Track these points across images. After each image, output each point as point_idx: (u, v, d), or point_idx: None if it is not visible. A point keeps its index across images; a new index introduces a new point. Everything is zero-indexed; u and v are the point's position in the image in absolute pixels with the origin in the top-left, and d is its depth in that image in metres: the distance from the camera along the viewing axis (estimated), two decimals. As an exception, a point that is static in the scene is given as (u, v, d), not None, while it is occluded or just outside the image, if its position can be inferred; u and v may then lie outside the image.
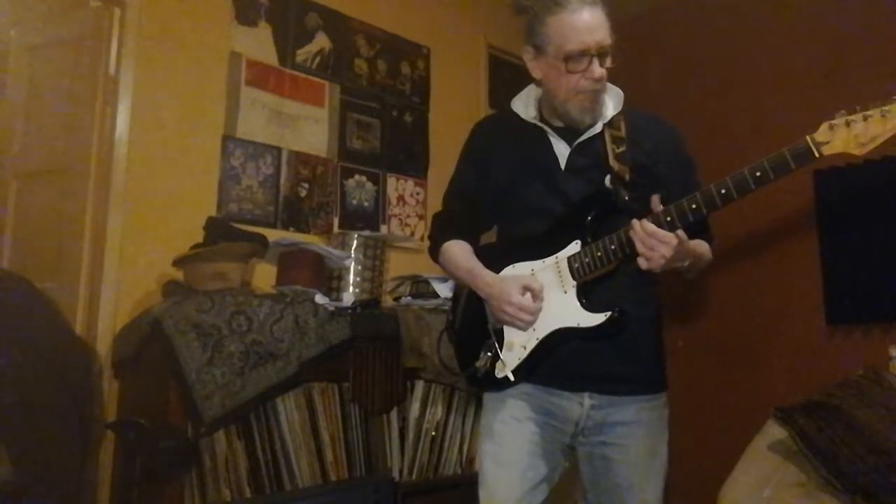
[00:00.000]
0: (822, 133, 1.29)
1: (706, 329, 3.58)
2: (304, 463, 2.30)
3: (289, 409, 2.30)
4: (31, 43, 3.09)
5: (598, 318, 1.48)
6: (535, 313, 1.52)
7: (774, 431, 2.54)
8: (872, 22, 3.15)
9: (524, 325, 1.53)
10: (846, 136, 1.27)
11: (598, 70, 1.49)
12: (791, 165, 1.30)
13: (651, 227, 1.39)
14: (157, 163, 2.63)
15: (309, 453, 2.32)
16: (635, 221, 1.42)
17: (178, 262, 2.41)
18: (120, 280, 2.50)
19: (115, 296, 2.49)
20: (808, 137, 1.30)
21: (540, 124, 1.62)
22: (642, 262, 1.40)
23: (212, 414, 2.10)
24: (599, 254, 1.47)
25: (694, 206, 1.38)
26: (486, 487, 1.57)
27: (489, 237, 1.81)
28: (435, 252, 1.75)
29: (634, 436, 1.54)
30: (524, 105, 1.68)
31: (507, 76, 3.92)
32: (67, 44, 2.89)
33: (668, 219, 1.40)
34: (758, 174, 1.32)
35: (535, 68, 1.59)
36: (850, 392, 2.59)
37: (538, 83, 1.63)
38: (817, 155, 1.29)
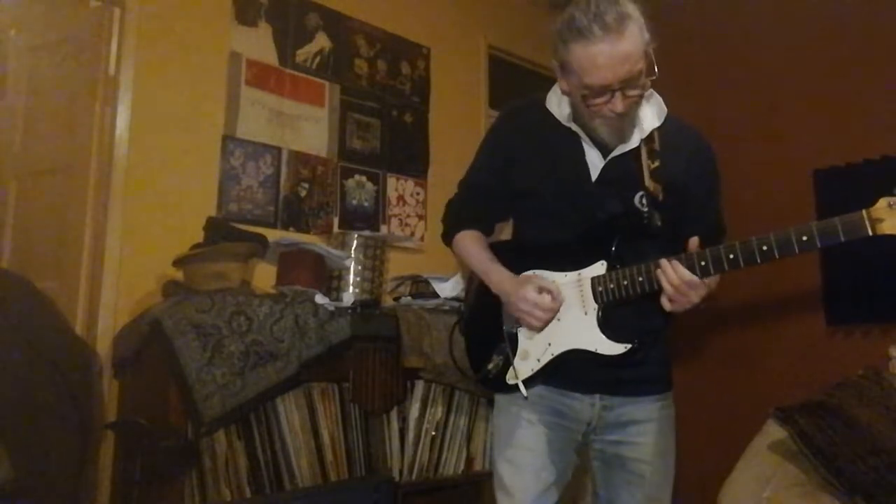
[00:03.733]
0: (879, 210, 1.21)
1: (706, 329, 3.58)
2: (304, 463, 2.30)
3: (289, 409, 2.30)
4: (31, 43, 3.09)
5: (617, 349, 1.46)
6: (551, 313, 1.49)
7: (774, 431, 2.53)
8: (873, 20, 3.15)
9: (538, 324, 1.50)
10: None
11: (619, 107, 1.39)
12: (841, 238, 1.24)
13: (687, 274, 1.34)
14: (157, 163, 2.63)
15: (309, 453, 2.31)
16: (665, 263, 1.37)
17: (178, 262, 2.41)
18: (120, 280, 2.50)
19: (115, 296, 2.49)
20: (864, 212, 1.23)
21: (575, 128, 1.53)
22: (666, 304, 1.38)
23: (212, 414, 2.10)
24: (626, 282, 1.44)
25: (731, 257, 1.33)
26: (503, 489, 1.58)
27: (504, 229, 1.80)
28: (448, 240, 1.72)
29: (647, 433, 1.54)
30: (558, 102, 1.57)
31: (507, 76, 3.92)
32: (67, 44, 2.89)
33: (703, 263, 1.36)
34: (804, 238, 1.27)
35: (562, 82, 1.49)
36: (850, 392, 2.59)
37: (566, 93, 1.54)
38: (871, 233, 1.22)
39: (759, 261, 1.31)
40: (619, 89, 1.37)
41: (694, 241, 1.39)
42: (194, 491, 2.10)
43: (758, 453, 2.53)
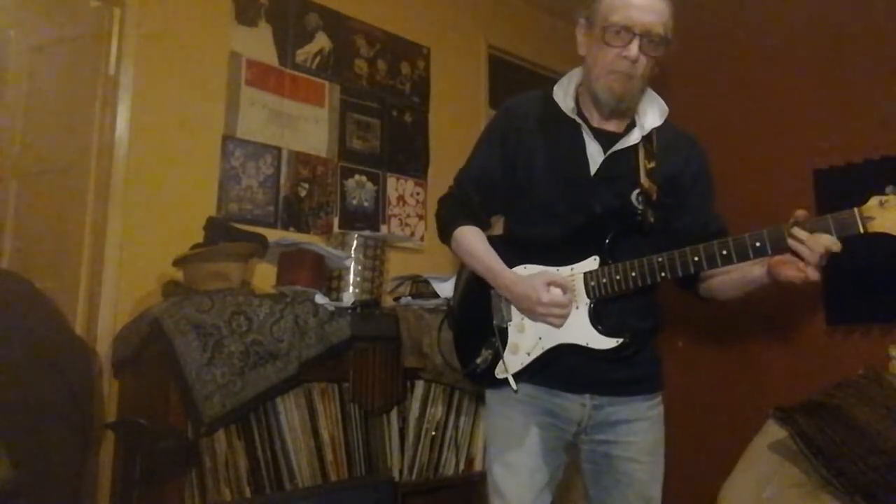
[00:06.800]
0: (871, 208, 1.23)
1: (706, 329, 3.58)
2: (304, 463, 2.30)
3: (289, 409, 2.30)
4: (31, 43, 3.09)
5: (608, 343, 1.45)
6: (569, 306, 1.48)
7: (774, 431, 2.54)
8: (873, 20, 3.15)
9: (560, 322, 1.49)
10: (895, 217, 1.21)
11: (634, 50, 1.43)
12: (833, 234, 1.26)
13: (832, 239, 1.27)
14: (157, 163, 2.63)
15: (309, 453, 2.31)
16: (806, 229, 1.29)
17: (178, 262, 2.41)
18: (120, 280, 2.50)
19: (115, 296, 2.49)
20: (856, 210, 1.25)
21: (578, 120, 1.55)
22: (813, 273, 1.30)
23: (212, 414, 2.10)
24: (618, 278, 1.44)
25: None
26: (496, 492, 1.58)
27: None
28: (446, 237, 1.67)
29: (636, 433, 1.54)
30: (564, 93, 1.59)
31: (507, 76, 3.92)
32: (67, 44, 2.89)
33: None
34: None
35: (581, 43, 1.54)
36: (850, 392, 2.59)
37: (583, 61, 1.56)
38: (862, 230, 1.24)
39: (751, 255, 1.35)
40: (638, 35, 1.42)
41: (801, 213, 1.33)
42: (194, 491, 2.10)
43: (758, 453, 2.53)
